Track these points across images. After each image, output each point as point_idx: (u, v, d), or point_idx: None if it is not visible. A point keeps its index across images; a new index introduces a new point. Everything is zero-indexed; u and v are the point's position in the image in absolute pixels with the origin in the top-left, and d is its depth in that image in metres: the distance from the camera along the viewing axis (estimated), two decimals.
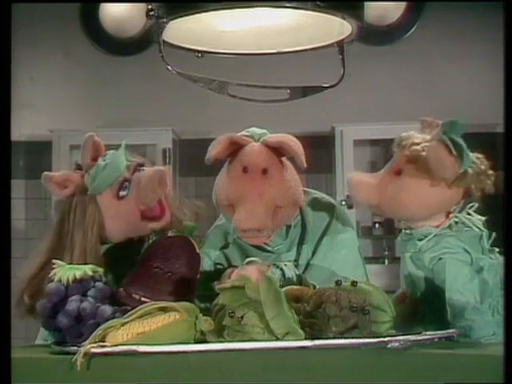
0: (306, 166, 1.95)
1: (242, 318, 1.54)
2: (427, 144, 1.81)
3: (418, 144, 1.83)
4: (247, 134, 2.05)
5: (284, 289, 1.66)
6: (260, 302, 1.54)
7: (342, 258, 2.07)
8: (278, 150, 1.99)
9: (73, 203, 1.97)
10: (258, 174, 1.97)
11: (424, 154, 1.80)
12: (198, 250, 1.90)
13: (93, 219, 1.95)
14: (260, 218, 1.93)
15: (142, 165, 2.01)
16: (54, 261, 1.80)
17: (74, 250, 1.92)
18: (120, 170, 1.97)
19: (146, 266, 1.84)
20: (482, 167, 1.81)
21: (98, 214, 1.95)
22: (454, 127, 1.77)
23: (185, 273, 1.82)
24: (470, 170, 1.78)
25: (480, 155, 1.84)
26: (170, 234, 1.95)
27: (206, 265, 2.07)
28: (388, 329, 1.55)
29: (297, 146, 1.97)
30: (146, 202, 1.95)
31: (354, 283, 1.59)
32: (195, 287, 1.85)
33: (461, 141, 1.77)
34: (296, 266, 2.02)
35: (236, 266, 1.98)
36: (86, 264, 1.82)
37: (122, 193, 1.96)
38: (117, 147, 2.03)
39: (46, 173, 2.00)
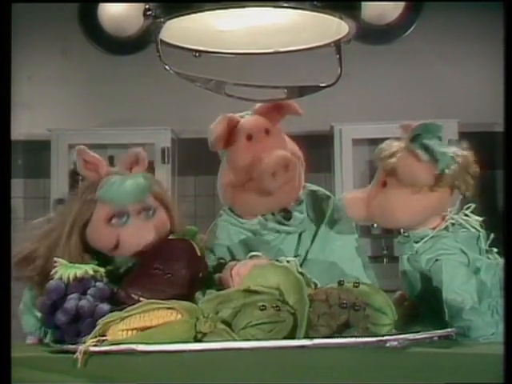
0: (301, 112, 2.07)
1: (277, 306, 1.55)
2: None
3: (394, 153, 1.84)
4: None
5: None
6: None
7: (339, 250, 2.09)
8: (270, 115, 2.08)
9: (84, 193, 1.91)
10: (261, 134, 2.05)
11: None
12: (199, 254, 1.89)
13: (83, 217, 1.90)
14: (286, 157, 2.00)
15: (148, 208, 1.90)
16: (55, 259, 1.80)
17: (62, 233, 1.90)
18: (130, 198, 1.87)
19: (145, 266, 1.84)
20: (460, 160, 1.80)
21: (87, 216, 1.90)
22: (426, 130, 1.77)
23: (184, 274, 1.82)
24: (446, 170, 1.78)
25: (459, 149, 1.83)
26: (171, 236, 1.92)
27: (209, 260, 2.06)
28: (389, 331, 1.55)
29: (286, 103, 2.07)
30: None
31: (356, 284, 1.59)
32: (194, 289, 1.84)
33: (432, 143, 1.76)
34: (296, 257, 2.01)
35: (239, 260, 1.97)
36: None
37: (114, 220, 1.88)
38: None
39: (81, 147, 1.90)
